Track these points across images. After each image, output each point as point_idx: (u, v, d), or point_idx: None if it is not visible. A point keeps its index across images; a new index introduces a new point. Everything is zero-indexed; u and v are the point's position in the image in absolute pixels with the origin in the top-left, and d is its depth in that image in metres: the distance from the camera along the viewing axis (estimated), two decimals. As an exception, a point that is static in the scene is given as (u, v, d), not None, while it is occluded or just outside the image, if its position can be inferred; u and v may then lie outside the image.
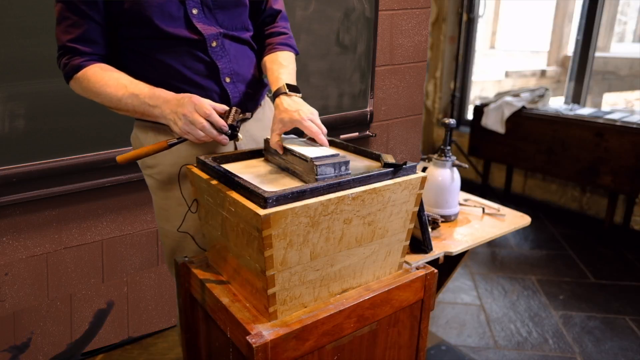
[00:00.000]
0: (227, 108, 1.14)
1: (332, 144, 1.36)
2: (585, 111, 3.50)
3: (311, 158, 1.04)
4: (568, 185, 3.71)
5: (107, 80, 1.16)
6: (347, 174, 1.07)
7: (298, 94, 1.21)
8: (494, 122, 3.78)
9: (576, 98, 3.79)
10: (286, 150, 1.15)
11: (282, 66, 1.28)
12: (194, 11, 1.19)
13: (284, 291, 1.02)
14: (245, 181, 1.01)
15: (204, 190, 1.15)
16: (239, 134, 1.16)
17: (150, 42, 1.19)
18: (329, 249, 1.05)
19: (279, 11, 1.38)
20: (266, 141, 1.24)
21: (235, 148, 1.33)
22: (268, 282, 0.98)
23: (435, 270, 1.26)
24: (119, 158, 1.16)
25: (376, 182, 1.07)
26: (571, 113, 3.47)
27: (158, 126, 1.25)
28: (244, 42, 1.30)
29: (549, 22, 5.80)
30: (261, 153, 1.29)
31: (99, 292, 2.04)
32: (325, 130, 1.16)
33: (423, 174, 1.14)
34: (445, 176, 1.58)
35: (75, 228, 1.93)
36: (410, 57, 2.65)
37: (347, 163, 1.07)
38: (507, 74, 6.09)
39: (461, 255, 1.55)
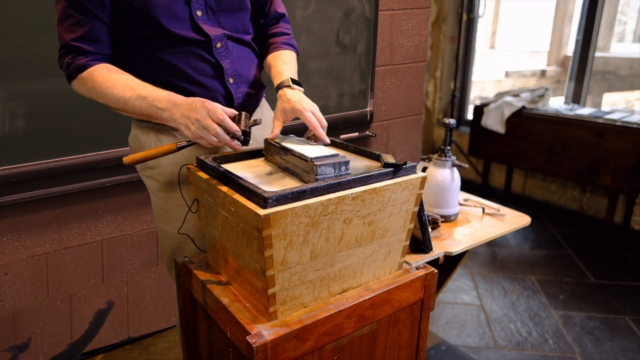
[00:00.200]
0: (236, 112, 1.14)
1: (332, 144, 1.36)
2: (585, 111, 3.50)
3: (311, 158, 1.04)
4: (568, 185, 3.71)
5: (113, 81, 1.15)
6: (347, 174, 1.07)
7: (301, 88, 1.25)
8: (494, 122, 3.78)
9: (576, 98, 3.79)
10: (286, 150, 1.15)
11: (285, 62, 1.32)
12: (199, 13, 1.20)
13: (284, 291, 1.02)
14: (245, 181, 1.01)
15: (204, 190, 1.15)
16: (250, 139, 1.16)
17: (155, 42, 1.19)
18: (329, 249, 1.05)
19: (283, 15, 1.43)
20: (266, 141, 1.24)
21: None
22: (268, 282, 0.98)
23: (435, 270, 1.26)
24: (125, 159, 1.16)
25: (376, 182, 1.07)
26: (571, 113, 3.47)
27: (159, 127, 1.25)
28: (246, 44, 1.32)
29: (549, 22, 5.80)
30: (261, 153, 1.29)
31: (99, 292, 2.04)
32: (325, 123, 1.20)
33: (423, 174, 1.14)
34: (445, 176, 1.58)
35: (75, 228, 1.93)
36: (410, 57, 2.65)
37: (347, 163, 1.07)
38: (507, 74, 6.10)
39: (461, 255, 1.55)
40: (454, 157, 1.60)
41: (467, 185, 2.79)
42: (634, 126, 3.10)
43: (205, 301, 1.20)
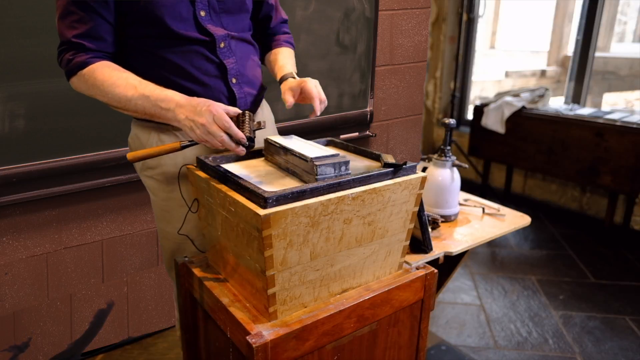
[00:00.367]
0: (240, 112, 1.13)
1: (332, 144, 1.36)
2: (585, 111, 3.50)
3: (311, 158, 1.04)
4: (568, 185, 3.71)
5: (115, 79, 1.14)
6: (347, 174, 1.07)
7: None
8: (494, 122, 3.78)
9: (576, 98, 3.79)
10: (286, 150, 1.15)
11: (287, 58, 1.41)
12: (202, 13, 1.20)
13: (284, 291, 1.02)
14: (245, 181, 1.01)
15: (204, 190, 1.15)
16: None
17: (159, 42, 1.19)
18: (329, 249, 1.05)
19: (286, 20, 1.51)
20: (266, 141, 1.24)
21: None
22: (268, 282, 0.98)
23: (435, 270, 1.26)
24: (129, 155, 1.15)
25: (376, 182, 1.07)
26: (571, 113, 3.47)
27: (161, 126, 1.24)
28: (248, 42, 1.33)
29: (549, 22, 5.80)
30: (261, 153, 1.29)
31: (99, 292, 2.04)
32: (324, 97, 1.26)
33: (423, 174, 1.14)
34: (445, 176, 1.58)
35: (75, 228, 1.93)
36: (410, 57, 2.65)
37: (347, 163, 1.07)
38: (507, 74, 6.09)
39: (461, 255, 1.55)
40: (454, 157, 1.60)
41: (467, 185, 2.79)
42: (634, 126, 3.10)
43: (205, 301, 1.20)
